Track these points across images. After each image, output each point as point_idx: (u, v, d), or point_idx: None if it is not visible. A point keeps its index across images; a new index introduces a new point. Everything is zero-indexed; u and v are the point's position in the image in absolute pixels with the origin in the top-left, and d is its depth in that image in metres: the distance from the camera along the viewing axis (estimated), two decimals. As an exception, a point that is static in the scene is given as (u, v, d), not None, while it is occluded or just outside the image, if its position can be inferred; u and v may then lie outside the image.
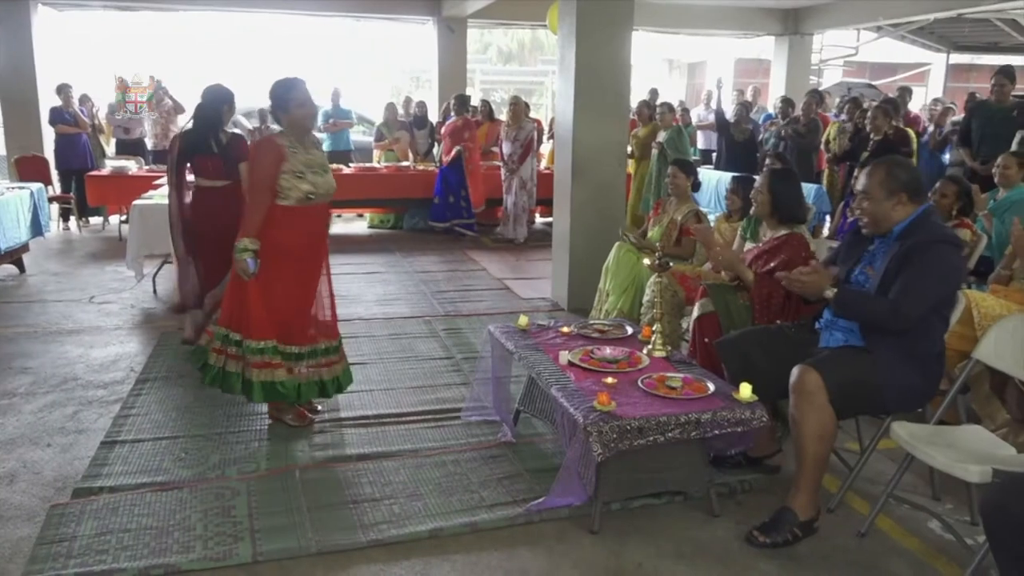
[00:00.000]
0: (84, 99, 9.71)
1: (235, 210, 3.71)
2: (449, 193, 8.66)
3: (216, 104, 4.32)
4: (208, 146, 4.30)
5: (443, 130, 8.88)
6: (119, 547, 2.68)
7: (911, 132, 7.34)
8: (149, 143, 9.91)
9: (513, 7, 11.12)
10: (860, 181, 2.89)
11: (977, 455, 2.58)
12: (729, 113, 9.42)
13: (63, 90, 9.31)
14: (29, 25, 10.21)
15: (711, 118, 10.03)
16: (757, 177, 4.08)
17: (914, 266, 2.70)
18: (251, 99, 10.42)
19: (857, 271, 2.95)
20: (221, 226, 3.88)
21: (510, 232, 8.72)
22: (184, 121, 10.35)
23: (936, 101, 10.14)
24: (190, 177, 4.42)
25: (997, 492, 2.09)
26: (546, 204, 9.72)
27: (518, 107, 8.70)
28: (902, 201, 2.80)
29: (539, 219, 10.09)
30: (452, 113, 8.94)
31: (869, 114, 7.27)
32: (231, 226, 3.46)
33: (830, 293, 2.83)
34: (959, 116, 8.59)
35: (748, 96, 11.30)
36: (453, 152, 8.57)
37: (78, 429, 3.67)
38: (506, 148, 8.68)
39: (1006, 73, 6.57)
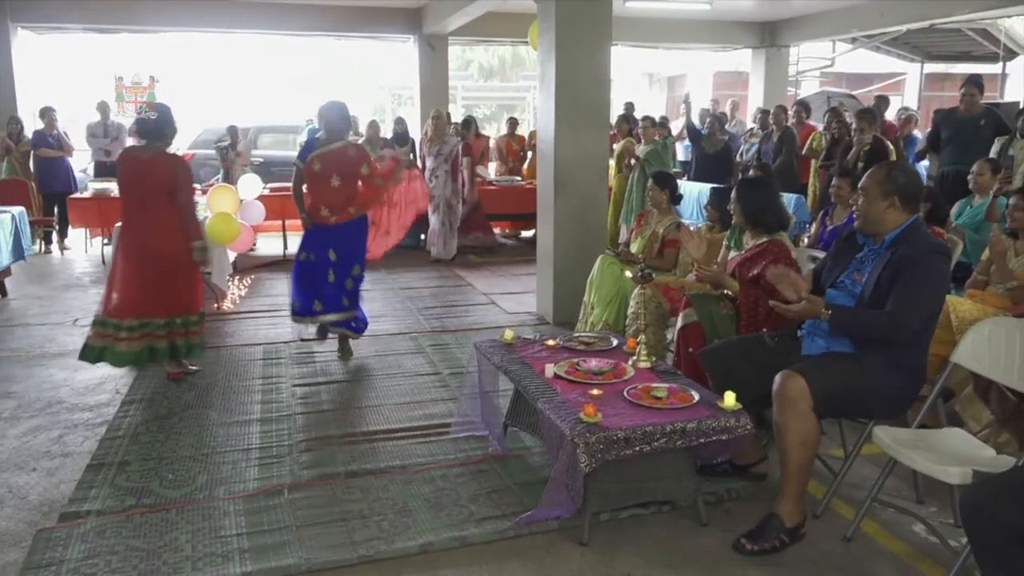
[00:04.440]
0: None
1: None
2: (328, 269, 4.81)
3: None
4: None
5: (312, 167, 4.77)
6: (107, 570, 2.66)
7: (889, 143, 7.43)
8: None
9: (494, 24, 11.19)
10: (862, 180, 2.95)
11: (958, 457, 2.62)
12: (703, 125, 9.53)
13: (46, 114, 9.28)
14: (8, 49, 10.20)
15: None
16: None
17: (909, 277, 2.73)
18: (227, 117, 10.36)
19: (844, 277, 3.00)
20: None
21: (438, 251, 8.40)
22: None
23: (903, 110, 10.29)
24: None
25: (976, 493, 2.13)
26: (502, 219, 9.72)
27: (440, 121, 8.44)
28: (894, 204, 2.84)
29: (523, 233, 10.13)
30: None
31: (854, 124, 7.30)
32: None
33: (825, 315, 2.81)
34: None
35: (726, 109, 11.41)
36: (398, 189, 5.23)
37: (64, 452, 3.65)
38: (429, 163, 8.38)
39: (975, 83, 6.68)
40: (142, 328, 4.32)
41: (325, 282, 4.79)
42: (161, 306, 4.35)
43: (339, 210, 4.78)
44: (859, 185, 2.95)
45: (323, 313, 4.82)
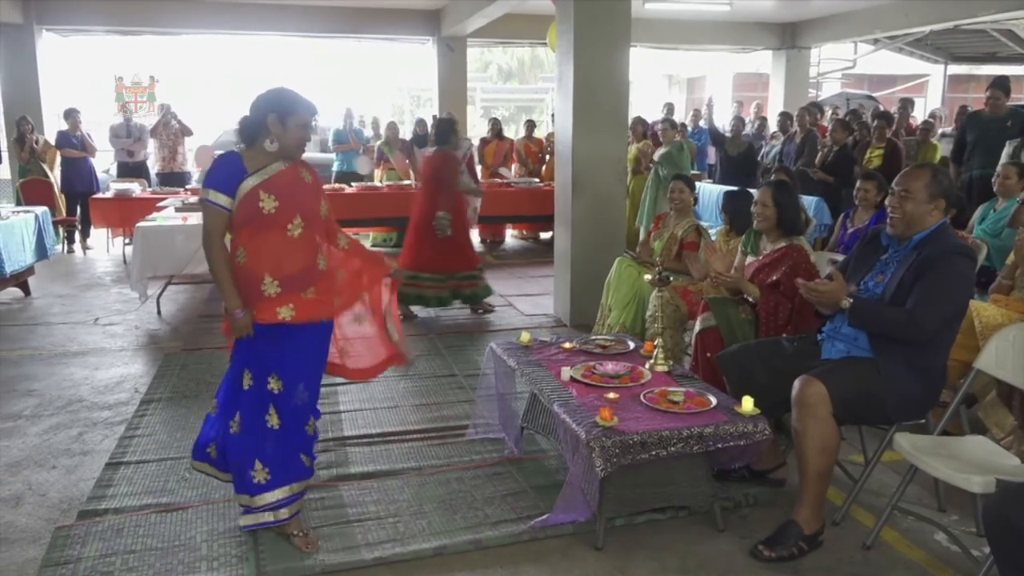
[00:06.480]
0: (23, 121, 9.14)
1: None
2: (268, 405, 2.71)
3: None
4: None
5: (256, 206, 2.57)
6: (124, 568, 2.68)
7: (902, 147, 7.35)
8: (156, 166, 9.97)
9: (513, 26, 11.20)
10: (898, 181, 2.91)
11: (980, 465, 2.58)
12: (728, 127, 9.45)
13: (71, 115, 9.40)
14: (34, 51, 10.35)
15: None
16: (752, 191, 4.09)
17: (931, 277, 2.71)
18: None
19: (868, 278, 2.96)
20: None
21: None
22: (191, 144, 10.45)
23: (933, 114, 10.22)
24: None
25: (1000, 502, 2.09)
26: (521, 221, 9.60)
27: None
28: (940, 207, 2.83)
29: (542, 235, 10.10)
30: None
31: (829, 127, 7.25)
32: None
33: (846, 303, 2.81)
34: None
35: (751, 112, 11.28)
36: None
37: (83, 451, 3.68)
38: None
39: (1000, 86, 6.55)
40: (439, 280, 5.87)
41: (263, 427, 2.70)
42: (443, 265, 5.88)
43: (296, 289, 2.63)
44: (900, 188, 2.86)
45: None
